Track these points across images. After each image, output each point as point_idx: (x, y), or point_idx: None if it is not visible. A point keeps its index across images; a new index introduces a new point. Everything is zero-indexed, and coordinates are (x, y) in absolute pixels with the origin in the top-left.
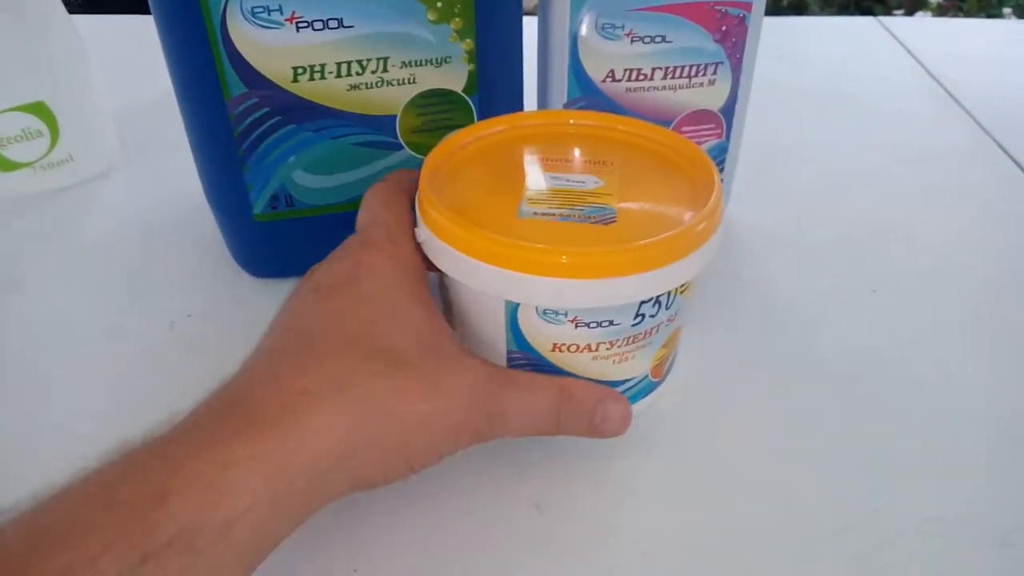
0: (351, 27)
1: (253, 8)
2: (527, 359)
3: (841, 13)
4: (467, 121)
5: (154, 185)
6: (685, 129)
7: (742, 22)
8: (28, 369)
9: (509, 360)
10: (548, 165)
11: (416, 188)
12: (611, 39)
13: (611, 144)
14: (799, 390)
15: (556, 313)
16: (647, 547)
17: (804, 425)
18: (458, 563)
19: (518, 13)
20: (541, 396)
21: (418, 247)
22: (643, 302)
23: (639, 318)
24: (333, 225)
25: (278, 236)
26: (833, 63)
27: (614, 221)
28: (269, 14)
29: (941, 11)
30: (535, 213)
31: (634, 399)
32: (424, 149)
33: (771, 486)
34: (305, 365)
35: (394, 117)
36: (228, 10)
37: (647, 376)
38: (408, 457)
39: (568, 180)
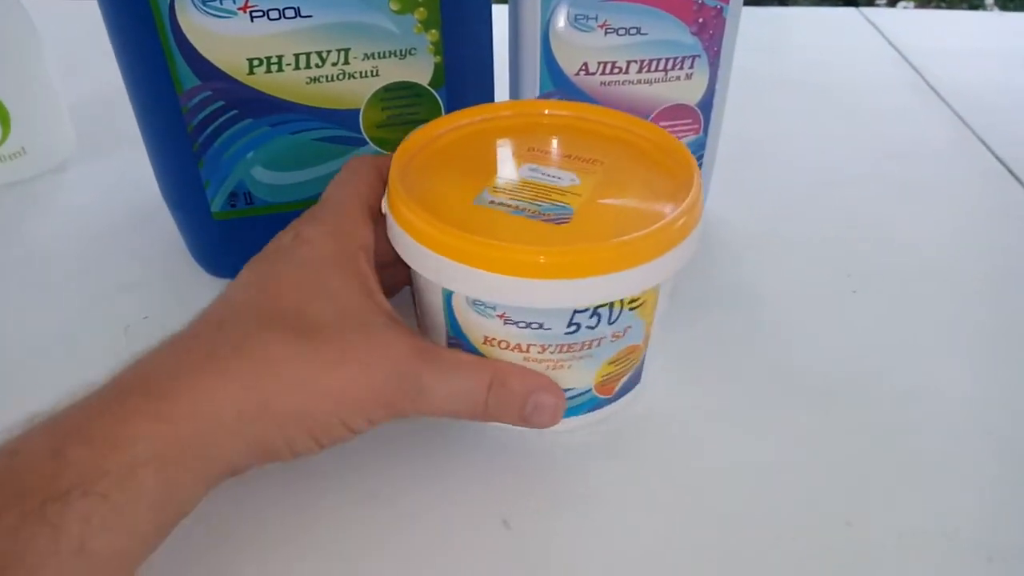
0: (309, 16)
1: None
2: (463, 347)
3: (825, 3)
4: (433, 115)
5: (112, 180)
6: (662, 124)
7: (720, 14)
8: None
9: (449, 345)
10: (531, 156)
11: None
12: (585, 31)
13: (601, 140)
14: (776, 397)
15: (484, 305)
16: (617, 563)
17: (782, 434)
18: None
19: (486, 3)
20: (469, 378)
21: (377, 224)
22: (577, 311)
23: (573, 327)
24: None
25: (238, 235)
26: (814, 55)
27: (566, 222)
28: (221, 2)
29: (924, 2)
30: (491, 202)
31: (574, 411)
32: (389, 144)
33: (747, 498)
34: (212, 333)
35: (357, 111)
36: None
37: (591, 391)
38: (311, 428)
39: (544, 174)
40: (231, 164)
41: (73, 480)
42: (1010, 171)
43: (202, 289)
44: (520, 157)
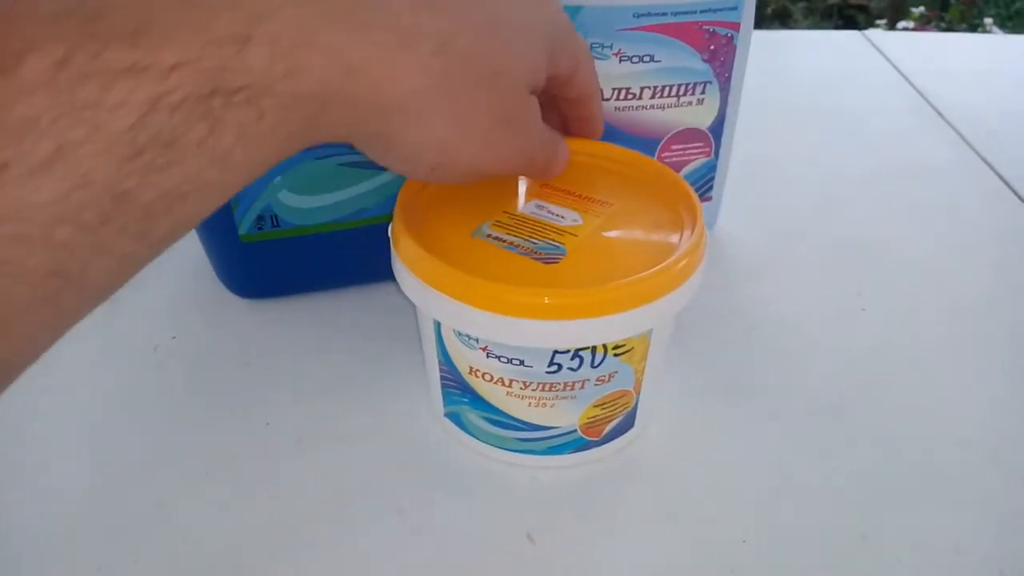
0: None
1: None
2: (452, 376)
3: (824, 20)
4: None
5: None
6: (674, 148)
7: (730, 41)
8: (5, 396)
9: (440, 374)
10: (542, 192)
11: None
12: (600, 58)
13: (620, 183)
14: (789, 415)
15: (468, 337)
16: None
17: (796, 452)
18: None
19: None
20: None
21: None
22: (558, 352)
23: (554, 367)
24: (321, 245)
25: (265, 256)
26: (819, 79)
27: (555, 262)
28: None
29: (924, 20)
30: (488, 236)
31: (558, 450)
32: None
33: (761, 515)
34: None
35: None
36: None
37: (575, 431)
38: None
39: (549, 212)
40: (258, 188)
41: (245, 80)
42: (1013, 191)
43: (229, 310)
44: (532, 193)
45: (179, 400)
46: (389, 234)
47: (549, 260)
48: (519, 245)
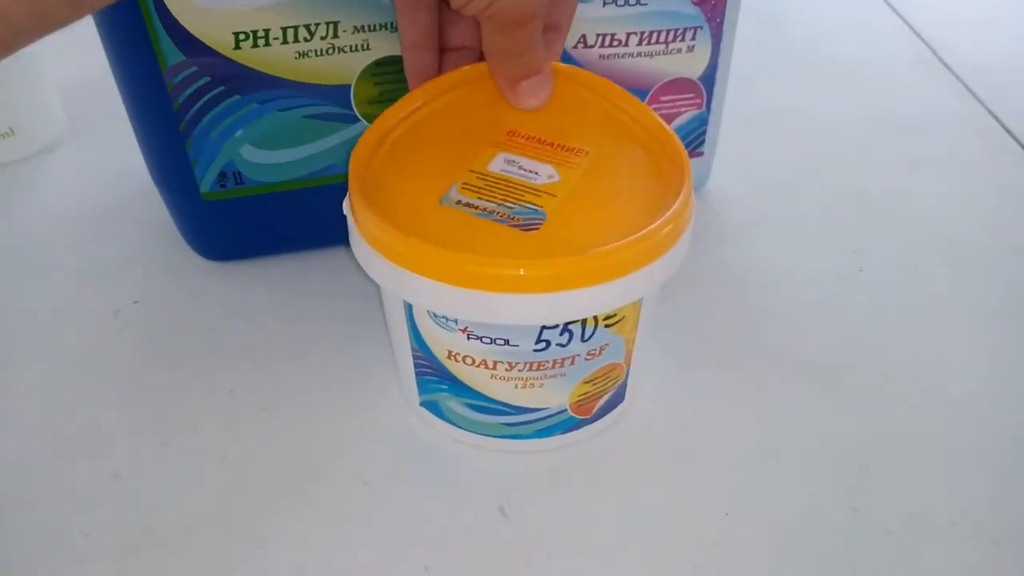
0: None
1: None
2: (428, 363)
3: None
4: None
5: (103, 161)
6: (663, 99)
7: None
8: None
9: (414, 360)
10: (509, 142)
11: None
12: (583, 1)
13: (590, 120)
14: (780, 381)
15: (446, 319)
16: (615, 552)
17: (785, 419)
18: (423, 569)
19: None
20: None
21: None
22: (546, 328)
23: (542, 344)
24: (288, 203)
25: (229, 216)
26: (819, 26)
27: (536, 228)
28: None
29: None
30: (458, 202)
31: (549, 431)
32: None
33: (750, 484)
34: None
35: (348, 87)
36: None
37: (566, 411)
38: None
39: (521, 168)
40: (219, 143)
41: None
42: (1021, 145)
43: (193, 271)
44: (497, 144)
45: (139, 366)
46: (345, 209)
47: (528, 227)
48: (493, 211)
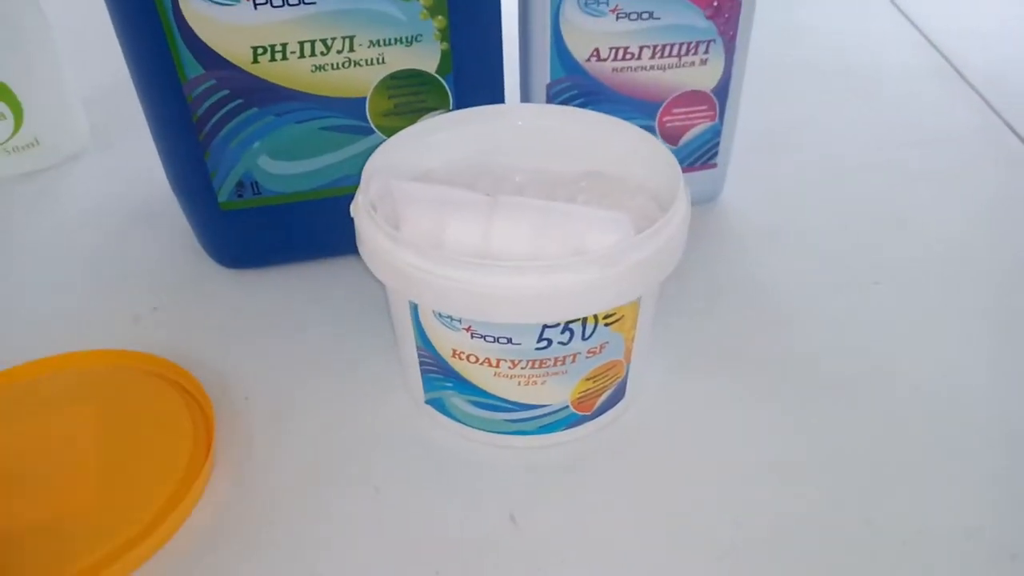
0: (313, 3)
1: None
2: (433, 361)
3: None
4: (441, 103)
5: (125, 171)
6: (675, 112)
7: None
8: None
9: (420, 359)
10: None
11: None
12: (595, 15)
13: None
14: (795, 393)
15: (450, 318)
16: (627, 558)
17: (800, 430)
18: (434, 574)
19: None
20: None
21: None
22: (547, 326)
23: (544, 342)
24: (303, 213)
25: (246, 225)
26: (833, 38)
27: None
28: None
29: None
30: None
31: (550, 428)
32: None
33: (760, 494)
34: None
35: (363, 100)
36: None
37: (567, 407)
38: None
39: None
40: (237, 154)
41: None
42: None
43: (212, 281)
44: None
45: None
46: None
47: None
48: None
